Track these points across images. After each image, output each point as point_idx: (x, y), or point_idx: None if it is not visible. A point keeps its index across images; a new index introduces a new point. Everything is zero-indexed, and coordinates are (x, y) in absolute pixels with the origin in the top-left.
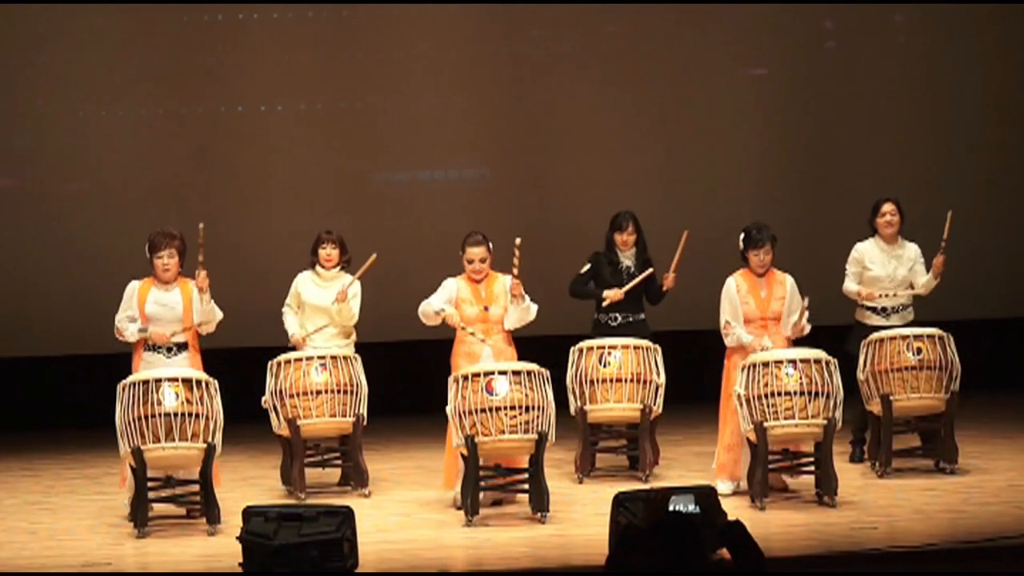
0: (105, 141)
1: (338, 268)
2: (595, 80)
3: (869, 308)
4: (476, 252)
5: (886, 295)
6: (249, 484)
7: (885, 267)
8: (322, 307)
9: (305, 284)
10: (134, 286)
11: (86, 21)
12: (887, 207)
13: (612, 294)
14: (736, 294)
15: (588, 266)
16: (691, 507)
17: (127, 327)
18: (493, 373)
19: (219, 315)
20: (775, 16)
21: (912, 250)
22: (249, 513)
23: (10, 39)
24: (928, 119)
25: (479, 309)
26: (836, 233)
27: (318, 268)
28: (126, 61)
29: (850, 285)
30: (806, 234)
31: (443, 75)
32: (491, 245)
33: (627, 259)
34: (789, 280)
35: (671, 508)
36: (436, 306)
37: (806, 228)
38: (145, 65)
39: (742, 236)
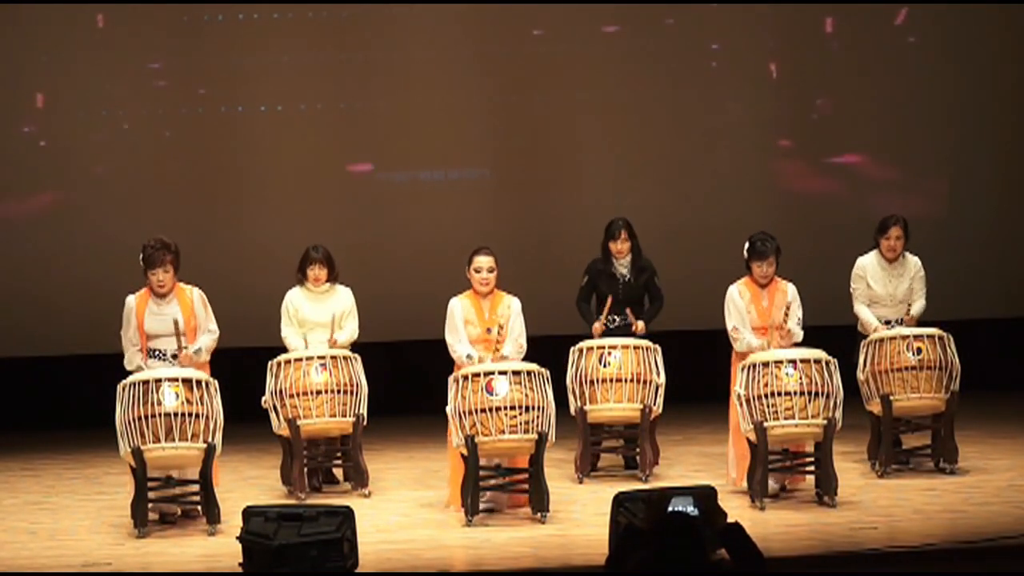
0: (105, 141)
1: (328, 285)
2: (595, 80)
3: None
4: (484, 261)
5: (889, 321)
6: (249, 484)
7: (886, 286)
8: (322, 322)
9: (300, 302)
10: (131, 305)
11: (87, 22)
12: (894, 231)
13: (597, 328)
14: (740, 300)
15: (586, 278)
16: (690, 508)
17: (131, 359)
18: (493, 373)
19: (210, 345)
20: (778, 16)
21: (912, 265)
22: (249, 513)
23: (10, 39)
24: (929, 120)
25: (482, 330)
26: (837, 234)
27: (308, 285)
28: (126, 62)
29: (864, 313)
30: (808, 234)
31: (443, 75)
32: (496, 260)
33: (623, 267)
34: (791, 289)
35: (671, 508)
36: (464, 352)
37: (808, 228)
38: (145, 65)
39: (746, 246)
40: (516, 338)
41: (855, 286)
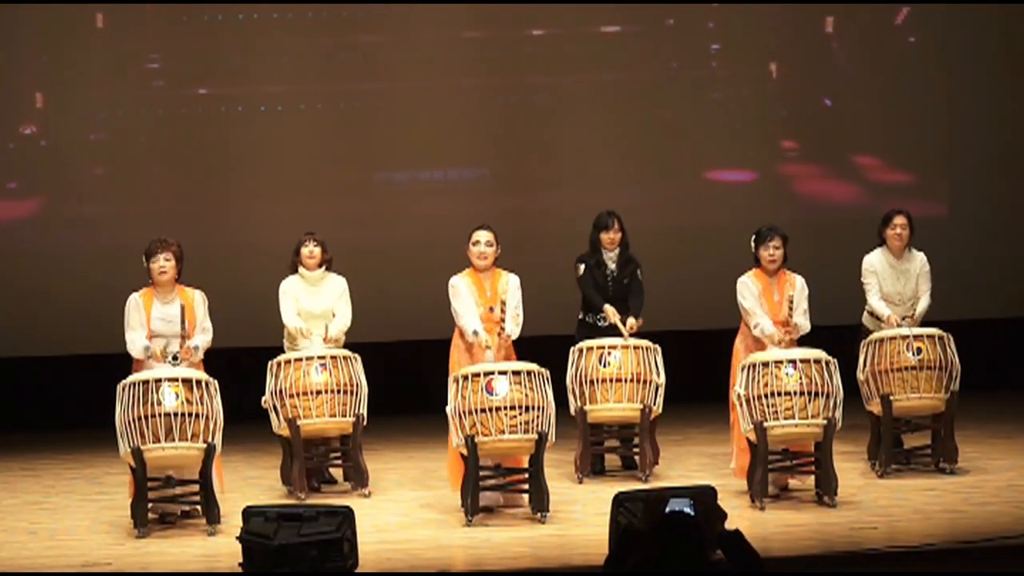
0: (105, 141)
1: (322, 268)
2: (595, 81)
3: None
4: (483, 235)
5: (900, 318)
6: (249, 484)
7: (894, 284)
8: (318, 314)
9: (299, 292)
10: (136, 300)
11: (86, 22)
12: (898, 220)
13: (608, 309)
14: (752, 287)
15: (583, 266)
16: (688, 508)
17: (137, 345)
18: (493, 373)
19: (206, 343)
20: (778, 16)
21: (918, 261)
22: (249, 513)
23: (10, 39)
24: (929, 120)
25: (484, 309)
26: (837, 234)
27: (302, 270)
28: (126, 62)
29: (879, 305)
30: (807, 234)
31: (443, 76)
32: (497, 239)
33: (611, 260)
34: (799, 281)
35: (670, 509)
36: (472, 326)
37: (807, 228)
38: (145, 65)
39: (753, 236)
40: (514, 307)
41: (867, 280)
